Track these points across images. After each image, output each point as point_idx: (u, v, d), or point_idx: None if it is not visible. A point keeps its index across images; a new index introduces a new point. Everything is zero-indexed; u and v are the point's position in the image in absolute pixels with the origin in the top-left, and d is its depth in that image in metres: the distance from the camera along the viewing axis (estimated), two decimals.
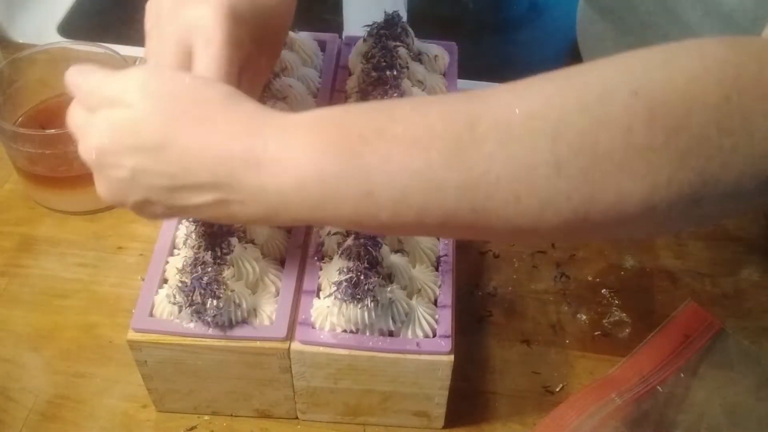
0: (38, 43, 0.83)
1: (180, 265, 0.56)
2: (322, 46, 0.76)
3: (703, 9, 0.66)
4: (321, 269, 0.58)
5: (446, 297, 0.57)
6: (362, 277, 0.53)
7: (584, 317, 0.70)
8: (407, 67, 0.69)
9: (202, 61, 0.49)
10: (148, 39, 0.52)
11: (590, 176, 0.38)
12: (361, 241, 0.54)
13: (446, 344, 0.55)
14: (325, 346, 0.55)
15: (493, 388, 0.65)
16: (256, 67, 0.56)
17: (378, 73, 0.66)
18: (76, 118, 0.46)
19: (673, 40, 0.72)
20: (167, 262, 0.59)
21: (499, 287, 0.72)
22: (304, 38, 0.74)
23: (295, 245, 0.60)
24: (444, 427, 0.62)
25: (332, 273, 0.55)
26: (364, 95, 0.66)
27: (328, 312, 0.54)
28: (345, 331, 0.55)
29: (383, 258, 0.54)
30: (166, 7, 0.51)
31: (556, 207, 0.39)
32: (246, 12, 0.51)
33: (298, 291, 0.57)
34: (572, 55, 0.92)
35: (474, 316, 0.69)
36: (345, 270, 0.53)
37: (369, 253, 0.53)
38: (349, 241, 0.55)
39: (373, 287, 0.52)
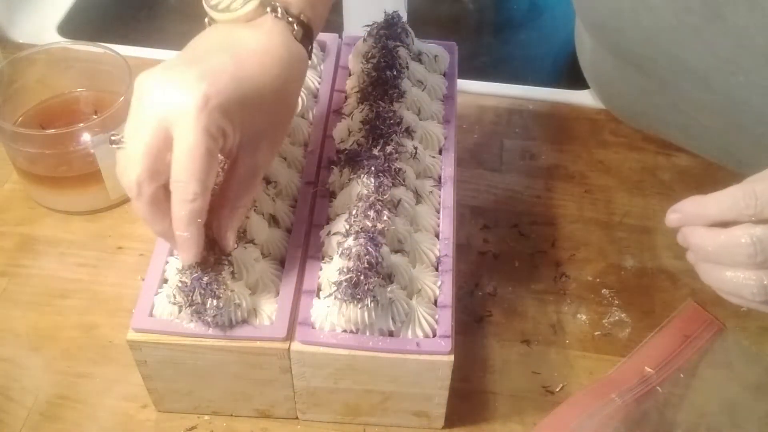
0: (38, 43, 0.83)
1: (180, 265, 0.55)
2: (322, 46, 0.76)
3: (744, 80, 0.65)
4: (321, 269, 0.58)
5: (446, 297, 0.57)
6: (362, 277, 0.52)
7: (584, 317, 0.70)
8: (407, 67, 0.69)
9: (179, 152, 0.48)
10: (129, 115, 0.50)
11: None
12: (361, 241, 0.54)
13: (446, 344, 0.55)
14: (325, 346, 0.55)
15: (493, 388, 0.65)
16: (251, 155, 0.54)
17: (378, 73, 0.66)
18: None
19: (698, 101, 0.70)
20: (167, 262, 0.59)
21: (499, 287, 0.72)
22: None
23: (295, 245, 0.60)
24: (444, 427, 0.62)
25: (332, 273, 0.55)
26: (364, 95, 0.66)
27: (328, 312, 0.54)
28: (345, 331, 0.55)
29: (383, 258, 0.54)
30: (150, 87, 0.49)
31: None
32: (232, 101, 0.49)
33: (298, 291, 0.57)
34: (572, 56, 0.92)
35: (474, 316, 0.69)
36: (345, 270, 0.53)
37: (369, 253, 0.53)
38: (349, 241, 0.55)
39: (373, 287, 0.52)
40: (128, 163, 0.49)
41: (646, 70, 0.74)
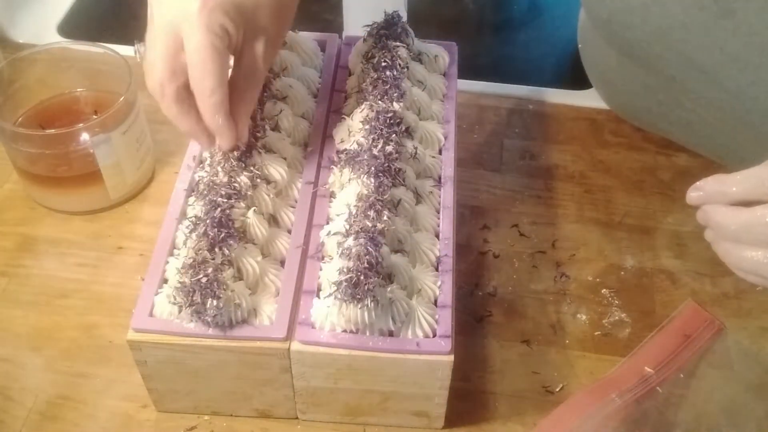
0: (38, 43, 0.83)
1: (180, 265, 0.56)
2: (322, 46, 0.76)
3: (753, 77, 0.65)
4: (321, 269, 0.58)
5: (446, 297, 0.57)
6: (362, 277, 0.52)
7: (584, 317, 0.70)
8: (407, 67, 0.69)
9: (189, 52, 0.53)
10: (148, 26, 0.55)
11: None
12: (361, 241, 0.54)
13: (446, 344, 0.55)
14: (325, 346, 0.55)
15: (493, 388, 0.65)
16: (253, 48, 0.58)
17: (378, 73, 0.66)
18: None
19: (705, 98, 0.70)
20: (167, 262, 0.59)
21: (499, 287, 0.72)
22: (304, 38, 0.74)
23: (295, 245, 0.60)
24: (444, 427, 0.62)
25: (332, 273, 0.55)
26: (364, 95, 0.66)
27: (328, 312, 0.54)
28: (345, 331, 0.55)
29: (383, 258, 0.54)
30: None
31: None
32: (229, 1, 0.54)
33: (298, 291, 0.57)
34: (573, 56, 0.92)
35: (474, 316, 0.69)
36: (345, 270, 0.53)
37: (369, 253, 0.53)
38: (349, 241, 0.55)
39: (373, 287, 0.52)
40: (150, 69, 0.55)
41: (652, 67, 0.74)
